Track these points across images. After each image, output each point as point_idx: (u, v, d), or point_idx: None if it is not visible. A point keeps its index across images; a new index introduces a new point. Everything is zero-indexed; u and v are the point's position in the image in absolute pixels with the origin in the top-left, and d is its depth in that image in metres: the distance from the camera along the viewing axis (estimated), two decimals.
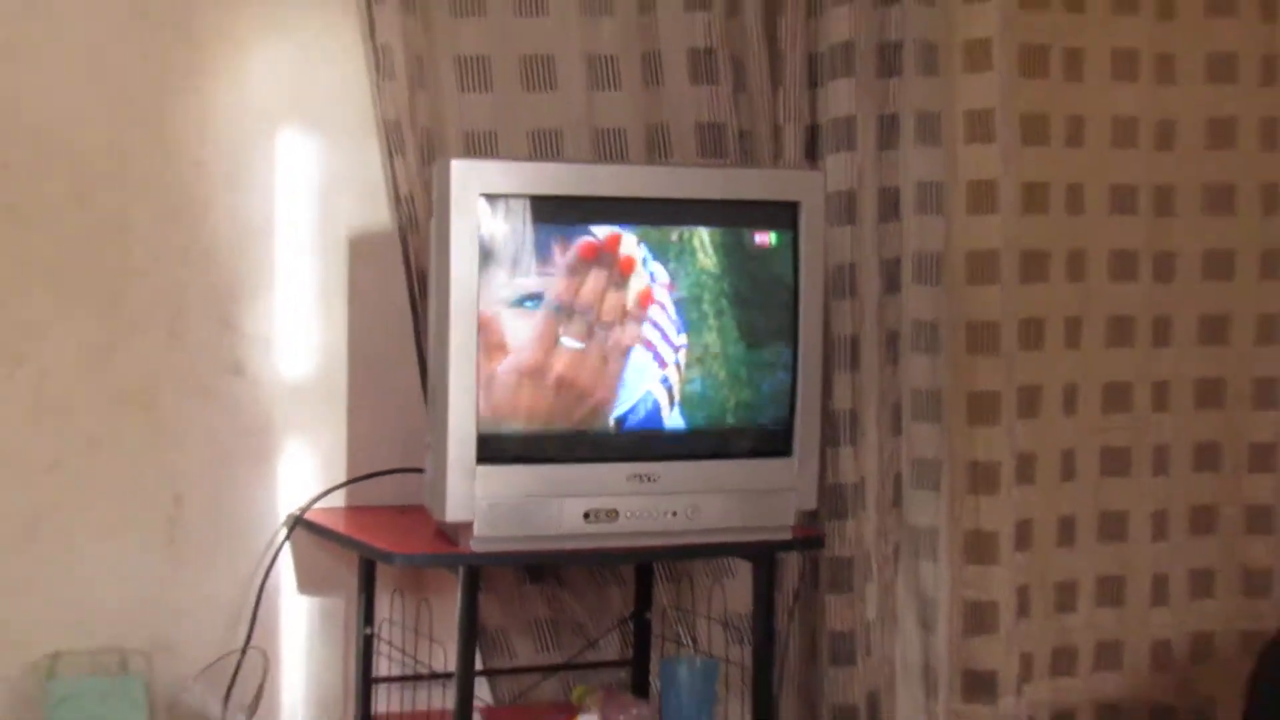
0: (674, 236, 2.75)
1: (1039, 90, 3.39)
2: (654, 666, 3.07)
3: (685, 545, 2.83)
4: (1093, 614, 3.49)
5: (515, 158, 2.93)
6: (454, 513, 2.61)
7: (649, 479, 2.72)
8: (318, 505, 2.96)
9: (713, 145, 3.12)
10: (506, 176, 2.66)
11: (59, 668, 2.75)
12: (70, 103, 2.82)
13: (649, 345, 2.74)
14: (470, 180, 2.59)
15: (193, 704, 2.84)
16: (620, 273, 2.72)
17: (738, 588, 3.08)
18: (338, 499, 2.99)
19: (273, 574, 2.96)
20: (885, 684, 3.26)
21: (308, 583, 3.00)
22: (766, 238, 2.80)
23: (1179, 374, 3.54)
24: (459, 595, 2.63)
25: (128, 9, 2.86)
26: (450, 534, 2.67)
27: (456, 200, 2.58)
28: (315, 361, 3.02)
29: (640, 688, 3.08)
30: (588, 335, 2.70)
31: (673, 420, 2.76)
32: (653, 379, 2.75)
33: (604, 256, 2.70)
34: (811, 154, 3.19)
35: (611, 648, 3.15)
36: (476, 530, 2.62)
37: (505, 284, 2.65)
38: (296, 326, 3.00)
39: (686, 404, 2.77)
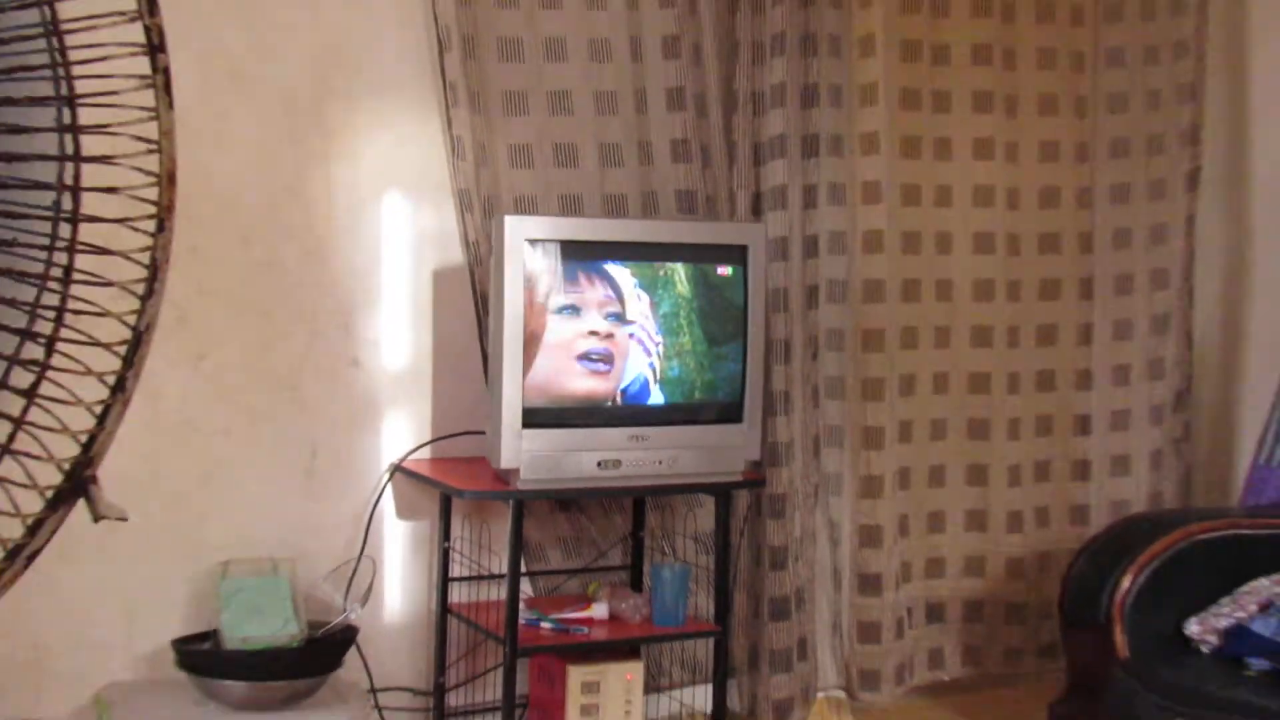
0: (660, 270, 2.80)
1: (915, 167, 3.39)
2: (646, 570, 3.10)
3: (668, 485, 2.88)
4: (959, 537, 3.49)
5: (549, 214, 2.96)
6: (506, 462, 2.68)
7: (642, 439, 2.78)
8: (411, 457, 3.00)
9: (687, 206, 3.13)
10: (543, 227, 2.73)
11: (229, 571, 2.76)
12: (239, 173, 2.85)
13: (640, 343, 2.81)
14: (518, 230, 2.67)
15: (322, 597, 2.88)
16: (620, 295, 2.81)
17: (704, 515, 3.12)
18: (424, 453, 3.02)
19: (379, 506, 2.98)
20: (807, 582, 3.27)
21: (403, 512, 3.02)
22: (725, 270, 2.85)
23: (1025, 367, 3.54)
24: (509, 520, 2.71)
25: (281, 108, 2.88)
26: (503, 477, 2.71)
27: (508, 244, 2.66)
28: (409, 357, 3.03)
29: (636, 584, 3.11)
30: (599, 338, 2.77)
31: (656, 397, 2.82)
32: (643, 366, 2.82)
33: (609, 284, 2.80)
34: (756, 212, 3.19)
35: (616, 557, 3.16)
36: (522, 474, 2.68)
37: (542, 302, 2.71)
38: (396, 333, 3.02)
39: (666, 385, 2.82)
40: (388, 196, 3.02)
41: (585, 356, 2.76)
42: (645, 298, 2.80)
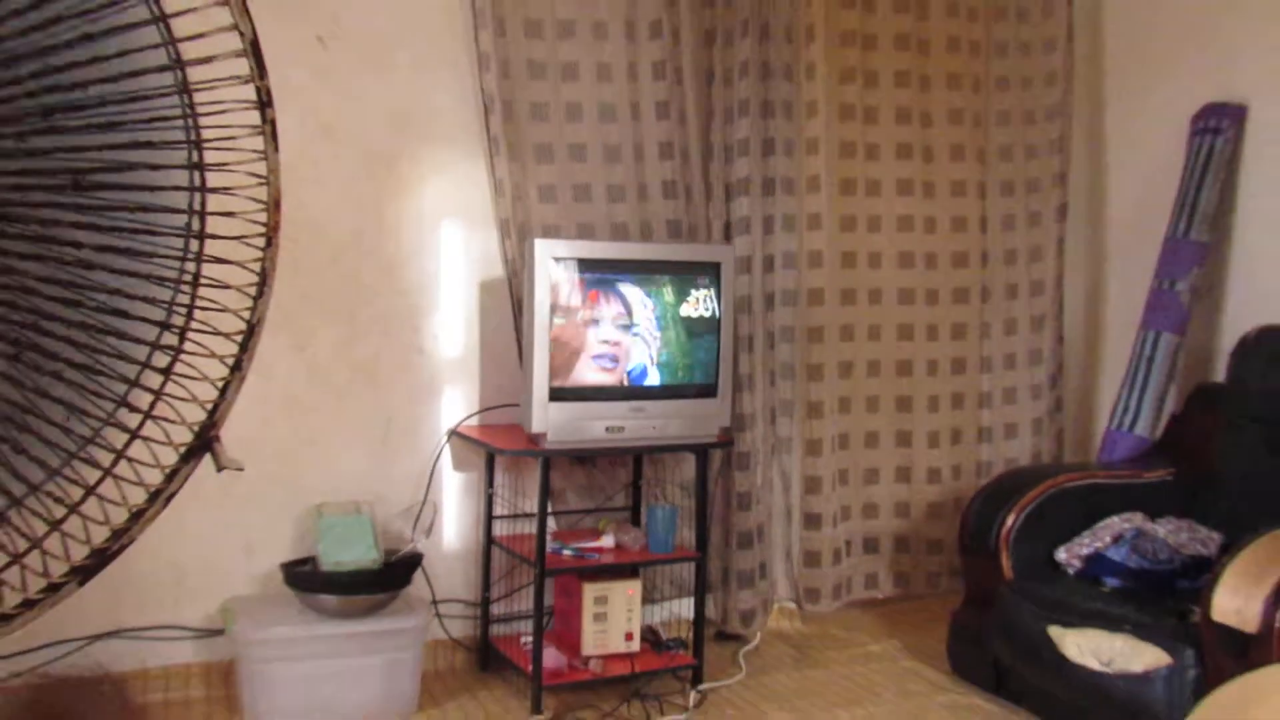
0: (653, 281, 2.79)
1: (852, 202, 3.37)
2: (643, 510, 3.10)
3: (660, 445, 2.88)
4: (890, 487, 3.47)
5: (569, 238, 2.94)
6: (536, 428, 2.67)
7: (640, 410, 2.77)
8: (463, 424, 2.98)
9: (674, 232, 3.12)
10: (564, 248, 2.71)
11: (324, 511, 2.77)
12: (330, 207, 2.84)
13: (643, 340, 2.79)
14: (545, 250, 2.66)
15: (395, 531, 2.87)
16: (629, 306, 2.83)
17: (688, 468, 3.10)
18: (474, 421, 3.00)
19: (439, 461, 2.97)
20: (765, 520, 3.27)
21: (458, 465, 3.01)
22: (704, 281, 2.83)
23: (940, 355, 3.51)
24: (539, 472, 2.69)
25: (362, 156, 2.86)
26: (534, 439, 2.70)
27: (538, 261, 2.65)
28: (461, 348, 3.01)
29: (635, 521, 3.10)
30: (608, 333, 2.77)
31: (653, 379, 2.81)
32: (643, 355, 2.83)
33: (620, 299, 2.81)
34: (727, 237, 3.17)
35: (620, 500, 3.15)
36: (548, 437, 2.67)
37: (563, 305, 2.71)
38: (451, 330, 3.00)
39: (660, 369, 2.81)
40: (444, 225, 3.00)
41: (599, 356, 2.75)
42: (647, 304, 2.80)
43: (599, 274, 2.75)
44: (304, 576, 2.68)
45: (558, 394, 2.70)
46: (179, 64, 1.00)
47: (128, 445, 1.08)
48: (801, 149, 3.27)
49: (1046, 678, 2.59)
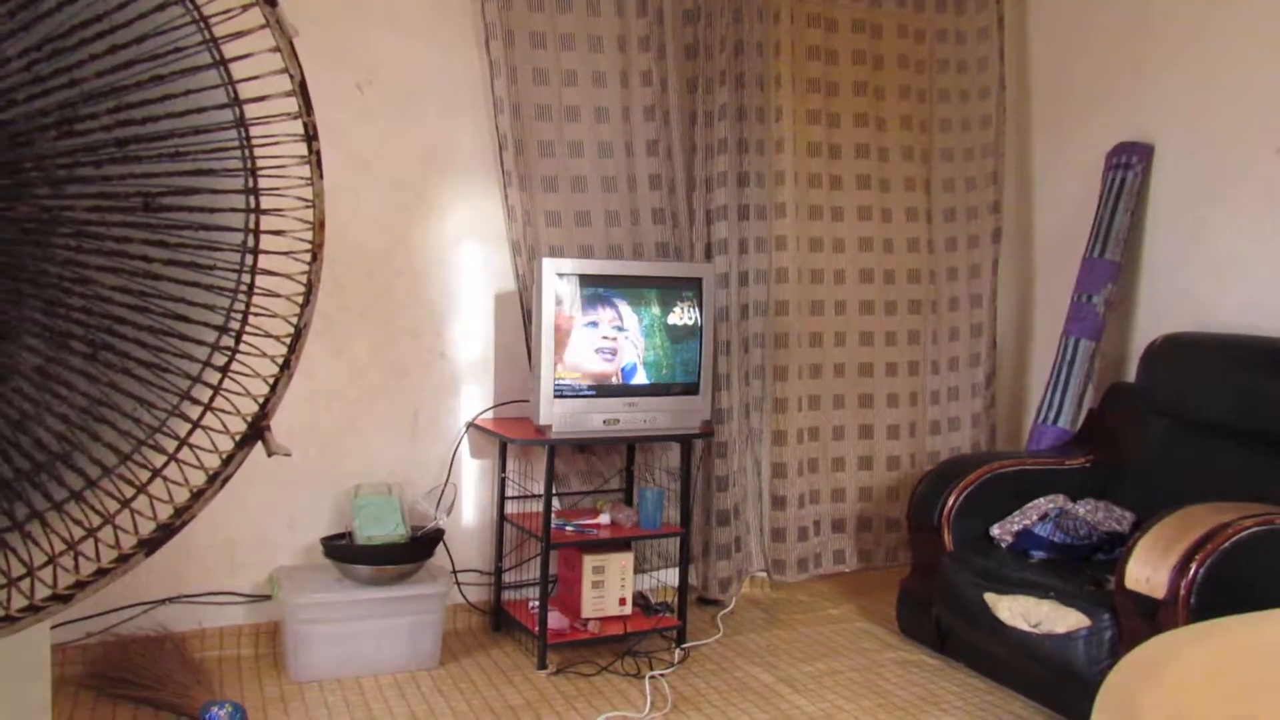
0: (643, 295, 2.80)
1: (819, 225, 3.35)
2: (635, 492, 3.09)
3: (650, 435, 2.86)
4: (855, 474, 3.45)
5: (571, 257, 2.92)
6: (544, 420, 2.67)
7: (633, 405, 2.78)
8: (480, 417, 2.97)
9: (663, 253, 3.11)
10: (567, 266, 2.70)
11: (359, 491, 2.77)
12: (366, 229, 2.83)
13: (632, 343, 2.80)
14: (551, 267, 2.66)
15: (421, 509, 2.85)
16: (620, 314, 2.83)
17: (673, 455, 3.09)
18: (489, 414, 2.99)
19: (459, 449, 2.96)
20: (740, 500, 3.25)
21: (475, 453, 2.99)
22: (688, 293, 2.85)
23: (897, 359, 3.50)
24: (545, 458, 2.70)
25: (394, 185, 2.85)
26: (541, 431, 2.70)
27: (545, 277, 2.65)
28: (478, 351, 2.99)
29: (628, 501, 3.10)
30: (606, 333, 2.78)
31: (641, 378, 2.82)
32: (633, 356, 2.84)
33: (614, 308, 2.81)
34: (708, 256, 3.16)
35: (615, 483, 3.14)
36: (553, 428, 2.68)
37: (566, 314, 2.72)
38: (470, 336, 2.98)
39: (649, 369, 2.81)
40: (464, 245, 2.99)
41: (600, 350, 2.74)
42: (638, 314, 2.79)
43: (597, 288, 2.75)
44: (341, 549, 2.67)
45: (561, 390, 2.70)
46: (237, 102, 0.99)
47: (190, 434, 1.07)
48: (771, 180, 3.26)
49: (983, 638, 2.59)
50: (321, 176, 1.15)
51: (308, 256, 1.13)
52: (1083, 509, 2.69)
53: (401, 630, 2.63)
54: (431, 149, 2.93)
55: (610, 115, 3.04)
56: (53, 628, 2.32)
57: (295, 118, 1.08)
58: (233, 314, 1.14)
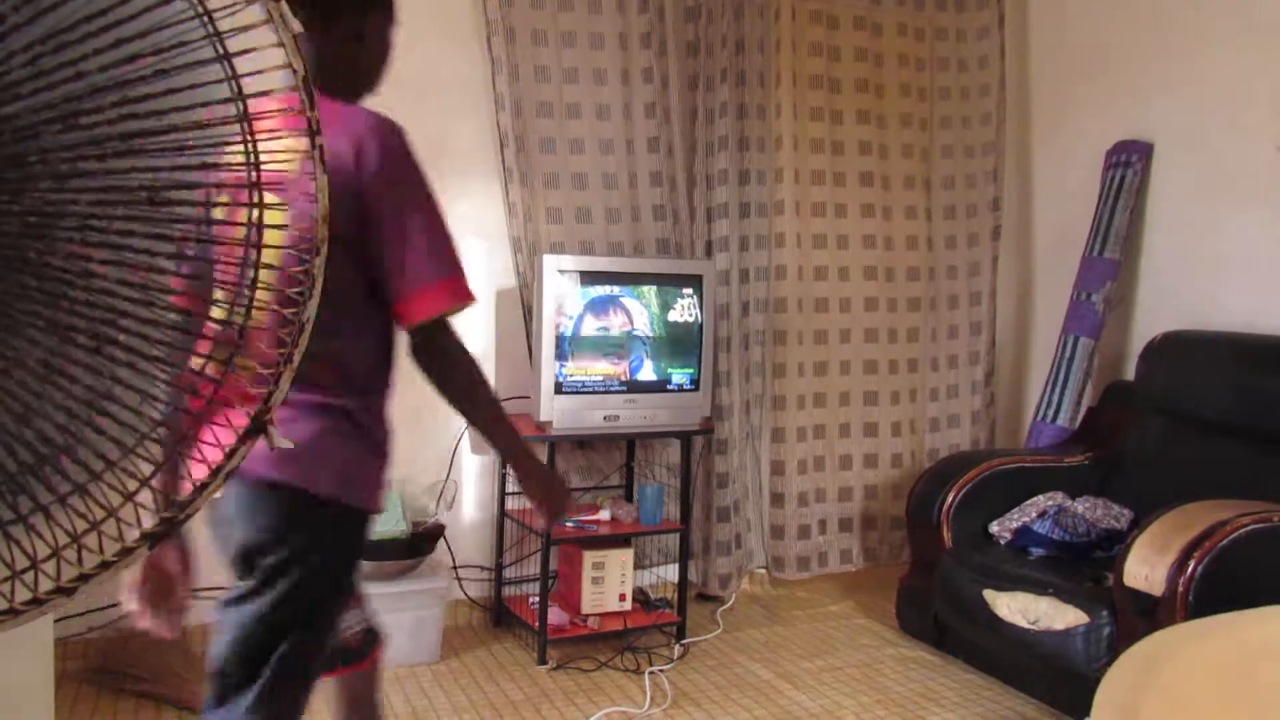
0: (645, 291, 2.83)
1: (823, 223, 3.34)
2: (635, 488, 3.10)
3: (650, 432, 2.88)
4: (861, 472, 3.44)
5: (572, 254, 2.93)
6: (544, 416, 2.69)
7: (634, 401, 2.80)
8: None
9: (664, 250, 3.12)
10: (568, 262, 2.72)
11: None
12: None
13: (640, 340, 2.83)
14: (552, 264, 2.68)
15: (422, 505, 2.86)
16: (622, 308, 2.82)
17: (674, 452, 3.10)
18: None
19: (459, 445, 2.96)
20: (740, 497, 3.26)
21: (476, 449, 2.99)
22: (688, 290, 2.87)
23: (902, 356, 3.49)
24: (546, 454, 2.71)
25: None
26: (541, 427, 2.71)
27: (545, 273, 2.66)
28: (480, 347, 2.98)
29: (629, 497, 3.10)
30: (612, 335, 2.78)
31: (645, 373, 2.85)
32: (639, 353, 2.83)
33: (614, 302, 2.80)
34: (709, 253, 3.17)
35: (615, 479, 3.15)
36: (554, 425, 2.69)
37: (567, 311, 2.74)
38: (472, 330, 2.92)
39: (651, 365, 2.83)
40: (465, 242, 2.94)
41: (606, 348, 2.77)
42: (640, 310, 2.79)
43: (597, 285, 2.74)
44: None
45: (562, 387, 2.70)
46: (240, 97, 0.98)
47: (193, 427, 1.06)
48: (772, 178, 3.26)
49: (981, 634, 2.59)
50: (325, 171, 1.14)
51: (310, 251, 1.13)
52: (1081, 506, 2.69)
53: (402, 625, 2.64)
54: (433, 145, 2.87)
55: (611, 112, 3.04)
56: (55, 621, 2.33)
57: (299, 112, 1.08)
58: (235, 308, 1.13)
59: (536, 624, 2.70)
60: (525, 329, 2.99)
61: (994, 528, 2.75)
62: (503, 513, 2.95)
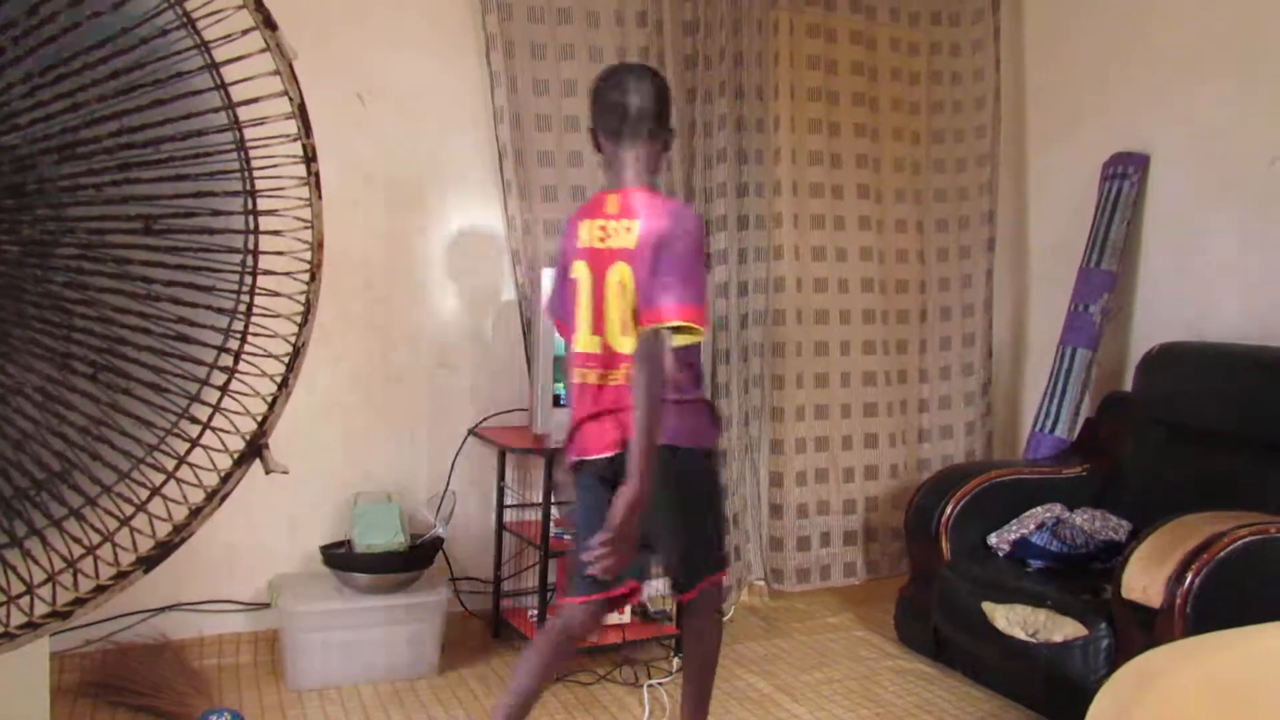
0: None
1: (822, 234, 3.34)
2: None
3: None
4: (862, 484, 3.42)
5: None
6: (541, 429, 2.68)
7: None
8: (479, 426, 2.96)
9: None
10: None
11: (358, 500, 2.76)
12: (366, 239, 2.83)
13: None
14: (550, 277, 2.69)
15: (420, 518, 2.85)
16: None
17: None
18: (490, 421, 2.97)
19: (458, 457, 2.95)
20: (741, 508, 3.25)
21: (474, 461, 2.97)
22: None
23: (895, 368, 3.47)
24: (543, 467, 2.70)
25: (394, 197, 2.85)
26: (539, 439, 2.70)
27: (544, 286, 2.62)
28: (479, 360, 2.99)
29: None
30: None
31: None
32: None
33: None
34: (707, 265, 3.03)
35: None
36: (552, 437, 2.65)
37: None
38: (469, 345, 2.98)
39: None
40: (464, 255, 2.99)
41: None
42: None
43: None
44: (340, 557, 2.67)
45: (559, 400, 2.69)
46: (237, 125, 1.00)
47: (189, 452, 1.07)
48: (770, 191, 3.27)
49: (980, 646, 2.59)
50: (320, 197, 1.16)
51: (306, 276, 1.14)
52: (1080, 518, 2.69)
53: (400, 638, 2.63)
54: (431, 159, 2.93)
55: None
56: (51, 635, 2.33)
57: (294, 139, 1.09)
58: (232, 333, 1.14)
59: (535, 636, 2.68)
60: (523, 341, 2.98)
61: (992, 539, 2.75)
62: (501, 525, 2.95)
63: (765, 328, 3.29)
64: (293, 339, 1.08)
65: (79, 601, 1.04)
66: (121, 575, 1.06)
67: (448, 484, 2.94)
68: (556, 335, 2.66)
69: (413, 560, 2.69)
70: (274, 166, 1.05)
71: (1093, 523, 2.67)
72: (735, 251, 3.22)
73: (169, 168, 0.98)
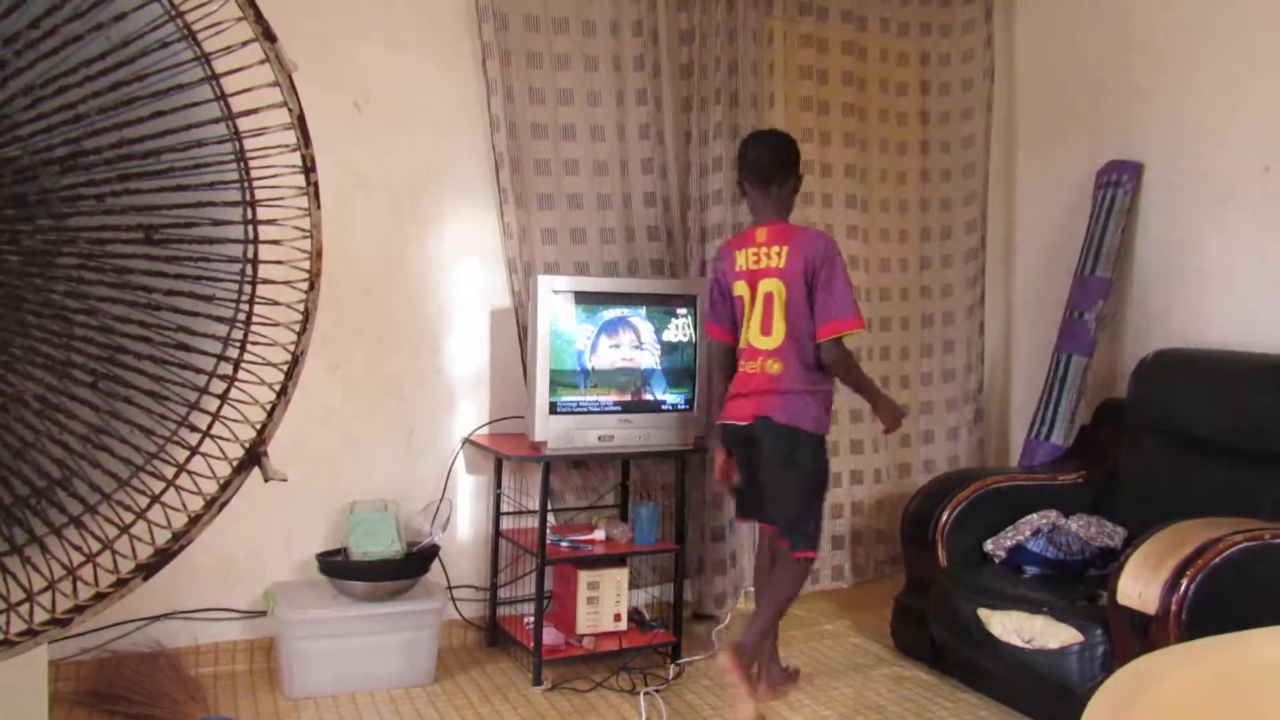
0: (640, 311, 2.82)
1: None
2: (630, 507, 3.08)
3: (644, 452, 2.87)
4: (849, 489, 3.43)
5: (566, 274, 2.94)
6: (539, 436, 2.69)
7: (628, 421, 2.79)
8: (476, 433, 2.98)
9: (658, 270, 3.13)
10: (563, 283, 2.72)
11: (355, 508, 2.76)
12: (363, 246, 2.84)
13: (649, 353, 2.86)
14: (547, 285, 2.68)
15: (416, 525, 2.85)
16: (622, 327, 2.84)
17: (668, 471, 3.09)
18: (485, 430, 2.99)
19: (454, 465, 2.96)
20: (734, 516, 3.19)
21: (471, 469, 2.99)
22: (683, 310, 2.87)
23: (887, 372, 3.43)
24: (540, 474, 2.71)
25: (392, 204, 2.86)
26: (536, 447, 2.71)
27: (541, 293, 2.67)
28: (474, 367, 3.00)
29: (624, 517, 3.09)
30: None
31: (646, 394, 2.84)
32: (648, 361, 2.86)
33: (611, 321, 2.83)
34: (702, 273, 3.14)
35: (610, 499, 3.13)
36: (549, 445, 2.69)
37: (560, 331, 2.76)
38: (466, 351, 2.99)
39: (649, 383, 2.86)
40: (461, 262, 3.00)
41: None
42: (635, 329, 2.80)
43: (592, 305, 2.76)
44: (336, 565, 2.67)
45: (556, 407, 2.71)
46: (237, 136, 1.01)
47: (188, 460, 1.08)
48: None
49: (977, 653, 2.60)
50: (319, 207, 1.17)
51: (305, 285, 1.15)
52: (1075, 524, 2.70)
53: (397, 646, 2.64)
54: (429, 167, 2.94)
55: (606, 134, 3.06)
56: (49, 643, 2.32)
57: (294, 150, 1.10)
58: (231, 342, 1.15)
59: (531, 644, 2.70)
60: (520, 349, 2.99)
61: (989, 546, 2.76)
62: (497, 533, 2.96)
63: None
64: (292, 347, 1.09)
65: (78, 609, 1.05)
66: (121, 582, 1.07)
67: (444, 491, 2.95)
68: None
69: (409, 568, 2.70)
70: (273, 177, 1.06)
71: (1088, 529, 2.68)
72: None
73: (169, 178, 0.99)
